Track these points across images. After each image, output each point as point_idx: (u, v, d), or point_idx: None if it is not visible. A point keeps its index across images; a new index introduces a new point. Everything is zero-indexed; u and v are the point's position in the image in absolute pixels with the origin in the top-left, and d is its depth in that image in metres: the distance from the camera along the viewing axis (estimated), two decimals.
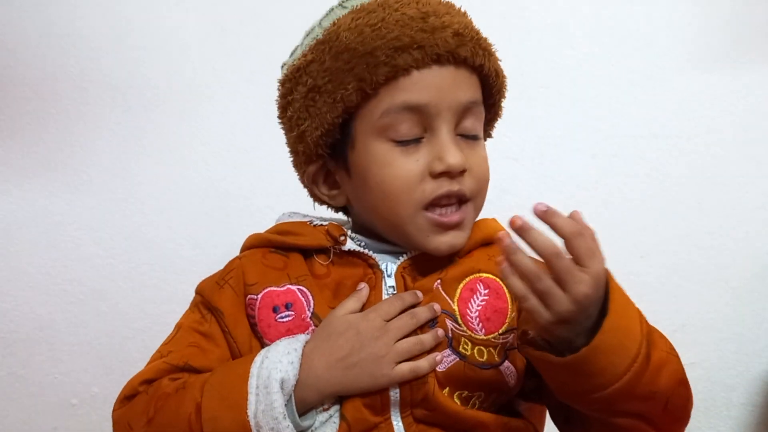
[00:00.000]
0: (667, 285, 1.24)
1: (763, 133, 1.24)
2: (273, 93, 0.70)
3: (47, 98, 1.24)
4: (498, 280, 0.64)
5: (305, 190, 0.72)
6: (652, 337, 0.55)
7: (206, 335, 0.63)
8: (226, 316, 0.63)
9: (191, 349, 0.61)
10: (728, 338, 1.23)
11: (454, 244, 0.63)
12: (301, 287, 0.63)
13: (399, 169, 0.61)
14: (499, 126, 0.73)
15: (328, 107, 0.62)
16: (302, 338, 0.59)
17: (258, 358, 0.56)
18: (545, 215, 0.52)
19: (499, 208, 1.24)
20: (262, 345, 0.62)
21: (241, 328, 0.63)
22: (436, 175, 0.61)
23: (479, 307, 0.62)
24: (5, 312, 1.22)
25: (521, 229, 0.52)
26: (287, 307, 0.62)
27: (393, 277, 0.64)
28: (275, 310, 0.61)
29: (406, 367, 0.57)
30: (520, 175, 1.26)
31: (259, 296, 0.62)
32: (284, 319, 0.61)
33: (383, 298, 0.62)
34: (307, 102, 0.64)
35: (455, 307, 0.62)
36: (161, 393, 0.57)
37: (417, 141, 0.62)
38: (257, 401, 0.53)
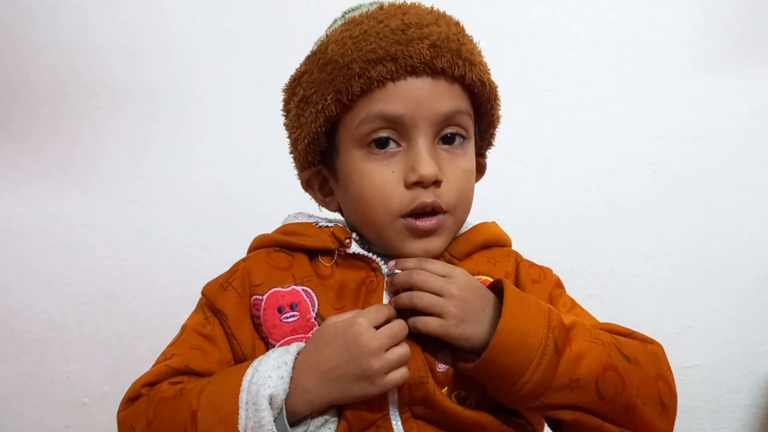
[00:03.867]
0: (672, 287, 1.24)
1: (767, 135, 1.24)
2: (279, 96, 0.72)
3: (59, 103, 1.26)
4: None
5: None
6: (568, 330, 0.58)
7: (208, 338, 0.64)
8: (230, 318, 0.63)
9: (193, 352, 0.62)
10: (733, 340, 1.23)
11: (429, 249, 0.64)
12: (305, 288, 0.63)
13: (375, 180, 0.62)
14: (504, 129, 0.74)
15: (312, 117, 0.64)
16: (293, 349, 0.58)
17: (249, 371, 0.56)
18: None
19: (504, 210, 1.26)
20: (267, 345, 0.63)
21: (245, 330, 0.63)
22: (409, 186, 0.62)
23: None
24: (18, 312, 1.24)
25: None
26: (292, 308, 0.62)
27: None
28: (280, 310, 0.62)
29: (398, 375, 0.56)
30: (525, 178, 1.26)
31: (265, 297, 0.63)
32: (289, 320, 0.62)
33: (383, 302, 0.63)
34: (298, 111, 0.67)
35: None
36: (160, 397, 0.58)
37: (394, 150, 0.63)
38: (247, 417, 0.54)
